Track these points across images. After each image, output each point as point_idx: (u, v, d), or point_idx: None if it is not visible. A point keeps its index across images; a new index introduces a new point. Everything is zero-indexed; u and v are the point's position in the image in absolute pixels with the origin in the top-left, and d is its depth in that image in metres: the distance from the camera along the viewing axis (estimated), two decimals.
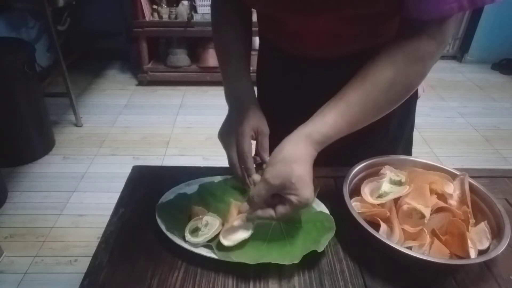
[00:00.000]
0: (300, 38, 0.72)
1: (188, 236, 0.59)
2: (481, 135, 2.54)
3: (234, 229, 0.59)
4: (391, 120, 0.80)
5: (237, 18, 0.76)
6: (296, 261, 0.55)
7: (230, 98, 0.74)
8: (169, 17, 2.85)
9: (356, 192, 0.66)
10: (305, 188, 0.54)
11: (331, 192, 0.71)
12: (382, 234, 0.58)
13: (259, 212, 0.57)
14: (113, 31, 3.25)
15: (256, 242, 0.60)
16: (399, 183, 0.65)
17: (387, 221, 0.60)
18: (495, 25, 3.38)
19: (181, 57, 2.97)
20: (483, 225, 0.59)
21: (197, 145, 2.36)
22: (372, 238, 0.56)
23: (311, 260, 0.57)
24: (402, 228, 0.58)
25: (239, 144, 0.68)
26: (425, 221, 0.58)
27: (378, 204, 0.62)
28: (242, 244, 0.59)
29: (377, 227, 0.59)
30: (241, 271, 0.56)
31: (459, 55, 3.67)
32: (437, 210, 0.60)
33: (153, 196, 0.67)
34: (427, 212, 0.58)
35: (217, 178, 0.73)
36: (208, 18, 2.75)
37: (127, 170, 0.77)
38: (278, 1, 0.64)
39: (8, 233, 1.69)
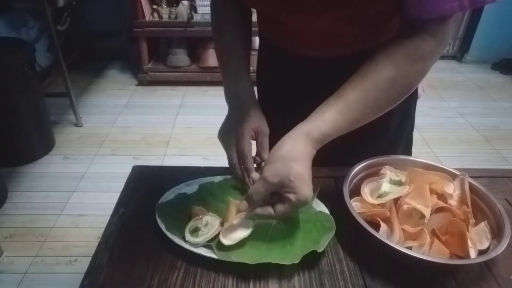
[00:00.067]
0: (300, 38, 0.72)
1: (188, 236, 0.59)
2: (481, 135, 2.54)
3: (233, 228, 0.59)
4: (391, 120, 0.80)
5: (237, 18, 0.76)
6: (296, 261, 0.55)
7: (230, 98, 0.74)
8: (169, 17, 2.85)
9: (356, 192, 0.66)
10: (304, 187, 0.54)
11: (331, 192, 0.71)
12: (382, 234, 0.58)
13: (258, 210, 0.57)
14: (113, 31, 3.25)
15: (256, 242, 0.60)
16: (399, 183, 0.65)
17: (387, 221, 0.60)
18: (495, 25, 3.38)
19: (181, 57, 2.97)
20: (483, 225, 0.59)
21: (197, 145, 2.36)
22: (372, 238, 0.56)
23: (311, 260, 0.57)
24: (402, 228, 0.58)
25: (239, 144, 0.68)
26: (425, 221, 0.58)
27: (378, 204, 0.62)
28: (242, 244, 0.58)
29: (377, 227, 0.59)
30: (241, 271, 0.56)
31: (459, 55, 3.67)
32: (437, 210, 0.60)
33: (153, 196, 0.67)
34: (427, 212, 0.58)
35: (217, 178, 0.73)
36: (208, 18, 2.75)
37: (127, 170, 0.77)
38: (278, 1, 0.64)
39: (8, 233, 1.69)
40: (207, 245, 0.58)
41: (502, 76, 3.42)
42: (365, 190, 0.65)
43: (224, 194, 0.69)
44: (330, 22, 0.66)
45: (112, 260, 0.58)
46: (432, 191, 0.62)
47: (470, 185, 0.64)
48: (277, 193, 0.56)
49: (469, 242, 0.55)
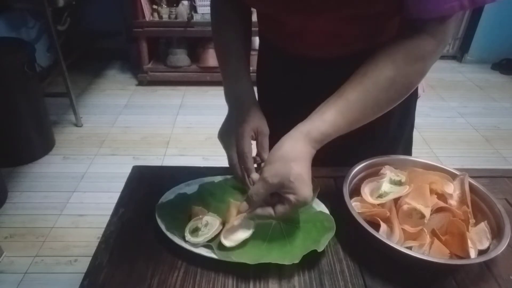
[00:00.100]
0: (300, 38, 0.72)
1: (188, 236, 0.59)
2: (481, 135, 2.54)
3: (234, 229, 0.59)
4: (391, 120, 0.80)
5: (237, 18, 0.76)
6: (296, 261, 0.55)
7: (230, 98, 0.74)
8: (169, 17, 2.85)
9: (356, 192, 0.66)
10: (304, 187, 0.54)
11: (331, 192, 0.71)
12: (382, 234, 0.58)
13: (259, 211, 0.57)
14: (113, 31, 3.25)
15: (256, 242, 0.60)
16: (399, 183, 0.65)
17: (387, 221, 0.60)
18: (495, 25, 3.38)
19: (181, 57, 2.97)
20: (483, 225, 0.59)
21: (197, 145, 2.36)
22: (372, 238, 0.56)
23: (311, 260, 0.57)
24: (402, 228, 0.58)
25: (239, 145, 0.68)
26: (425, 221, 0.58)
27: (378, 204, 0.62)
28: (242, 244, 0.58)
29: (377, 227, 0.59)
30: (241, 271, 0.56)
31: (459, 55, 3.67)
32: (437, 210, 0.60)
33: (153, 196, 0.67)
34: (427, 212, 0.58)
35: (217, 178, 0.73)
36: (208, 18, 2.75)
37: (127, 170, 0.77)
38: (278, 1, 0.64)
39: (8, 233, 1.69)
40: (207, 245, 0.58)
41: (502, 76, 3.42)
42: (365, 190, 0.65)
43: (224, 194, 0.69)
44: (330, 22, 0.66)
45: (112, 260, 0.58)
46: (432, 191, 0.62)
47: (470, 185, 0.64)
48: (277, 193, 0.56)
49: (469, 242, 0.55)
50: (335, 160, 0.71)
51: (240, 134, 0.68)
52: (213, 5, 0.79)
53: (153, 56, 3.07)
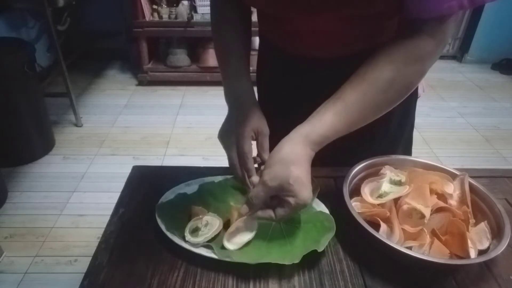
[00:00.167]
0: (300, 38, 0.72)
1: (188, 236, 0.59)
2: (481, 135, 2.54)
3: (237, 232, 0.59)
4: (391, 120, 0.80)
5: (237, 18, 0.76)
6: (296, 261, 0.55)
7: (230, 98, 0.74)
8: (169, 17, 2.85)
9: (356, 192, 0.66)
10: (303, 190, 0.54)
11: (331, 192, 0.71)
12: (382, 234, 0.58)
13: (259, 213, 0.58)
14: (113, 31, 3.25)
15: (256, 242, 0.60)
16: (399, 183, 0.65)
17: (387, 221, 0.60)
18: (495, 25, 3.38)
19: (181, 57, 2.97)
20: (483, 225, 0.59)
21: (197, 145, 2.36)
22: (372, 238, 0.56)
23: (311, 260, 0.57)
24: (402, 228, 0.58)
25: (239, 145, 0.68)
26: (425, 221, 0.58)
27: (378, 204, 0.62)
28: (243, 245, 0.59)
29: (377, 227, 0.59)
30: (241, 271, 0.56)
31: (459, 55, 3.67)
32: (437, 210, 0.60)
33: (153, 196, 0.67)
34: (427, 212, 0.58)
35: (217, 178, 0.73)
36: (208, 18, 2.75)
37: (127, 170, 0.77)
38: (278, 1, 0.64)
39: (8, 233, 1.69)
40: (207, 245, 0.58)
41: (502, 76, 3.42)
42: (365, 190, 0.65)
43: (224, 194, 0.69)
44: (330, 22, 0.66)
45: (112, 260, 0.58)
46: (432, 191, 0.62)
47: (470, 185, 0.64)
48: (277, 196, 0.56)
49: (469, 242, 0.55)
50: (335, 160, 0.71)
51: (240, 134, 0.68)
52: (213, 5, 0.79)
53: (153, 56, 3.07)
